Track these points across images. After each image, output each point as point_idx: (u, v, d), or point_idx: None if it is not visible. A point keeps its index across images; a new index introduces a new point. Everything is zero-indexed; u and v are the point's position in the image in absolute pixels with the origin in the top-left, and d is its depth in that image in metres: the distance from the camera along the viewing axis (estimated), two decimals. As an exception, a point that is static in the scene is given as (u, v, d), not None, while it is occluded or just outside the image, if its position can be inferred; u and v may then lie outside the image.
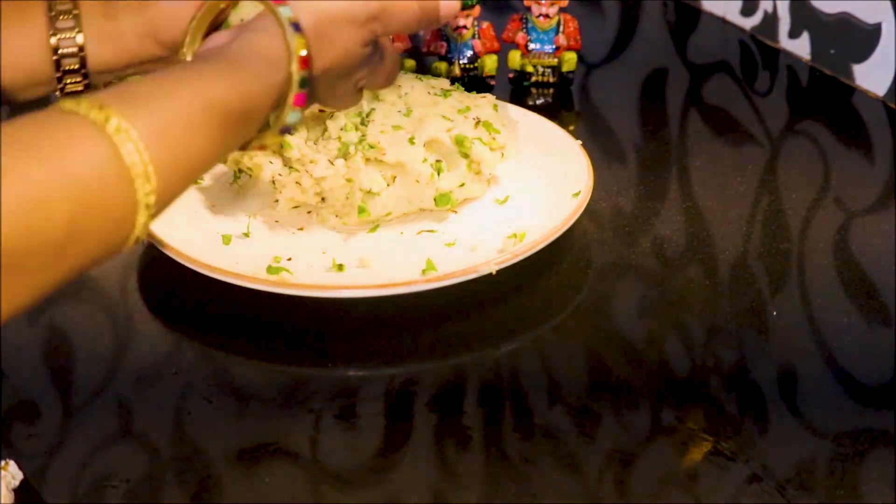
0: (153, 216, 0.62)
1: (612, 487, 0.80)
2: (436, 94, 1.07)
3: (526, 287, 0.98)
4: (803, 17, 1.34)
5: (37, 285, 0.57)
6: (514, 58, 1.31)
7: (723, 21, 1.45)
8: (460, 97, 1.08)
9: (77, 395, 0.88)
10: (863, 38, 1.27)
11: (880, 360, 0.90)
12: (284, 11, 0.72)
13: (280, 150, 1.02)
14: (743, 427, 0.84)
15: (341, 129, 1.02)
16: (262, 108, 0.70)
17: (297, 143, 1.02)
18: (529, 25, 1.30)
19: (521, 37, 1.30)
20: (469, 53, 1.30)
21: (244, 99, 0.68)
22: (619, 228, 1.08)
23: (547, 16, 1.30)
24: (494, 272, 0.94)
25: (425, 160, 1.01)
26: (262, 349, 0.93)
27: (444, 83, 1.10)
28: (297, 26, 0.72)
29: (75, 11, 0.76)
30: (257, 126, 0.71)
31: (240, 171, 1.07)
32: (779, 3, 1.37)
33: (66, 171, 0.57)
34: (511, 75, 1.32)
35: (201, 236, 1.00)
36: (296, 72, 0.72)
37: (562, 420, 0.86)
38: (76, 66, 0.76)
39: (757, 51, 1.39)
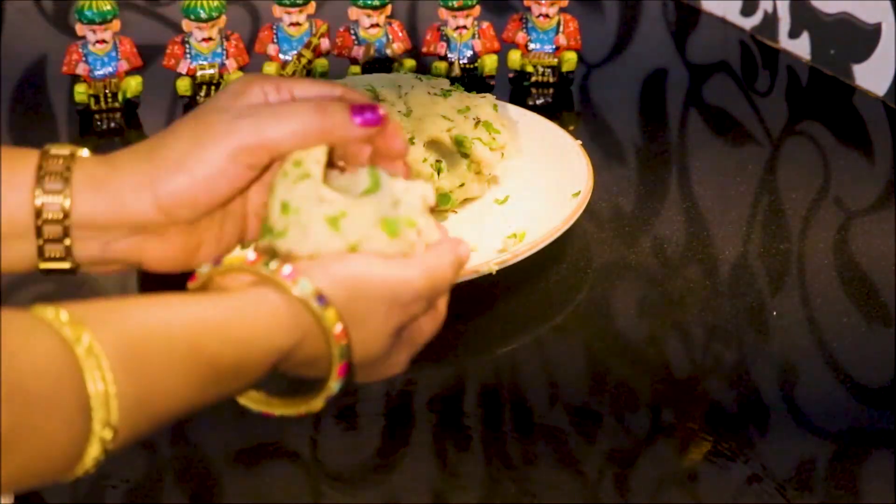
0: (107, 452, 0.55)
1: (612, 487, 0.80)
2: (436, 94, 1.07)
3: (526, 287, 0.98)
4: (803, 17, 1.34)
5: None
6: (514, 58, 1.31)
7: (723, 21, 1.45)
8: (460, 97, 1.08)
9: (77, 395, 0.88)
10: (863, 38, 1.27)
11: (880, 360, 0.90)
12: (303, 286, 0.61)
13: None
14: (743, 427, 0.84)
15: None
16: (257, 366, 0.61)
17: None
18: (529, 25, 1.30)
19: (521, 37, 1.30)
20: (469, 53, 1.30)
21: (237, 354, 0.60)
22: (619, 228, 1.08)
23: (547, 16, 1.30)
24: (494, 272, 0.94)
25: (425, 160, 1.01)
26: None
27: (444, 83, 1.10)
28: (323, 299, 0.62)
29: (66, 174, 0.64)
30: (249, 383, 0.62)
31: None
32: (779, 3, 1.37)
33: (13, 376, 0.51)
34: (511, 75, 1.32)
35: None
36: (335, 346, 0.62)
37: (562, 420, 0.86)
38: (58, 236, 0.64)
39: (757, 51, 1.39)
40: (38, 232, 0.64)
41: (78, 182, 0.63)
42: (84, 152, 0.65)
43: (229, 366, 0.59)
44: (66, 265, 0.65)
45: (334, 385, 0.63)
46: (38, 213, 0.63)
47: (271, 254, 0.64)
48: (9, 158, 0.64)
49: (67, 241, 0.64)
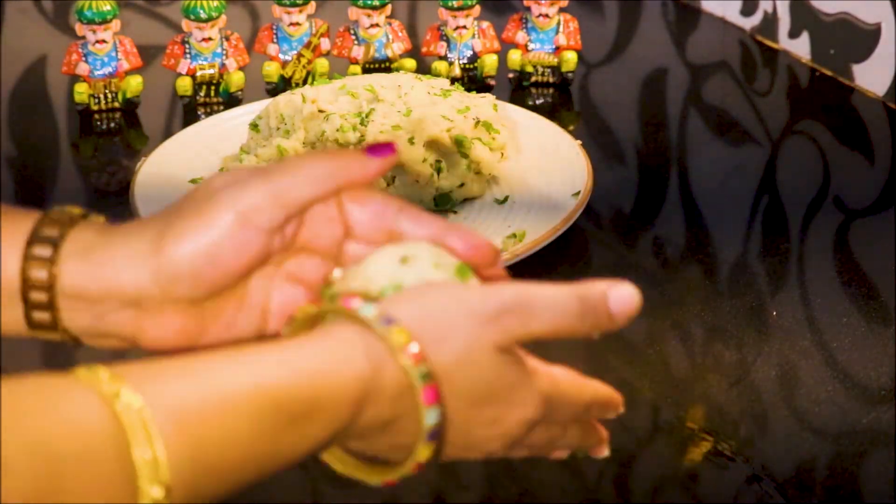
0: None
1: (612, 487, 0.80)
2: (436, 94, 1.07)
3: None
4: (803, 17, 1.34)
5: None
6: (514, 58, 1.31)
7: (723, 21, 1.45)
8: (460, 97, 1.08)
9: (77, 395, 0.88)
10: (863, 38, 1.27)
11: (880, 360, 0.90)
12: (368, 310, 0.56)
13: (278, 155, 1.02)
14: (743, 427, 0.84)
15: (337, 130, 1.02)
16: (334, 403, 0.55)
17: (293, 146, 1.02)
18: (529, 25, 1.30)
19: (521, 37, 1.30)
20: (469, 53, 1.30)
21: (307, 388, 0.54)
22: (619, 228, 1.08)
23: (547, 16, 1.30)
24: (494, 272, 0.94)
25: (425, 160, 1.02)
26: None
27: (444, 83, 1.10)
28: (388, 320, 0.56)
29: (58, 240, 0.60)
30: (328, 427, 0.55)
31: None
32: (779, 3, 1.37)
33: (39, 435, 0.48)
34: (511, 75, 1.32)
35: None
36: (410, 367, 0.55)
37: (562, 420, 0.85)
38: (44, 303, 0.60)
39: (757, 51, 1.39)
40: (24, 298, 0.60)
41: (69, 249, 0.59)
42: (92, 217, 0.62)
43: (300, 405, 0.54)
44: (55, 335, 0.61)
45: (426, 413, 0.56)
46: (25, 279, 0.59)
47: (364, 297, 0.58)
48: (9, 218, 0.61)
49: (55, 310, 0.60)
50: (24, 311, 0.60)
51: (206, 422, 0.51)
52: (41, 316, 0.60)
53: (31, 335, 0.61)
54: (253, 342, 0.59)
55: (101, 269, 0.59)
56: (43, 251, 0.59)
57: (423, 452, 0.58)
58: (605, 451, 0.67)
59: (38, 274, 0.59)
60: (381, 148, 0.62)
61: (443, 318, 0.57)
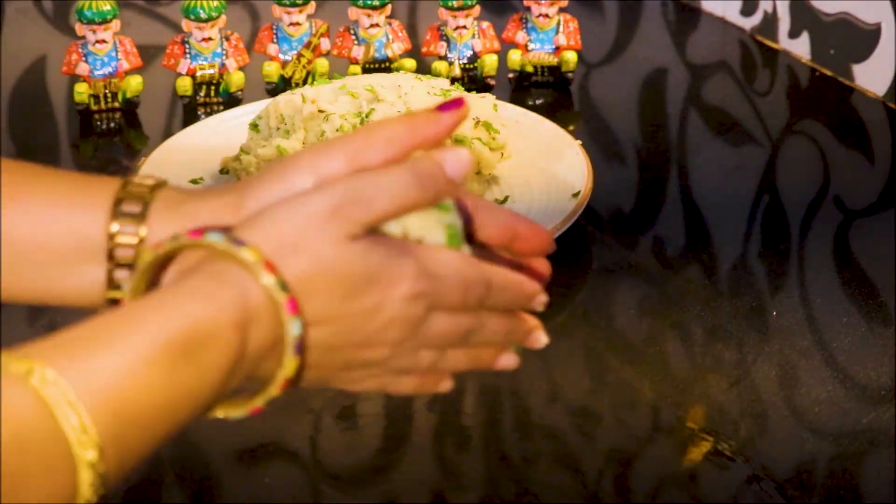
0: (104, 474, 0.52)
1: (612, 487, 0.80)
2: (436, 94, 1.07)
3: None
4: (803, 17, 1.34)
5: None
6: (514, 58, 1.31)
7: (723, 21, 1.45)
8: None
9: (77, 395, 0.88)
10: (863, 38, 1.27)
11: (880, 360, 0.90)
12: (215, 237, 0.57)
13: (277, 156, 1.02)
14: (743, 427, 0.84)
15: (337, 130, 1.02)
16: (219, 329, 0.56)
17: (293, 146, 1.02)
18: (529, 25, 1.31)
19: (521, 37, 1.30)
20: (469, 53, 1.30)
21: (189, 324, 0.55)
22: (619, 228, 1.08)
23: (547, 16, 1.30)
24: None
25: (425, 160, 1.01)
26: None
27: (444, 83, 1.10)
28: (237, 242, 0.57)
29: (147, 197, 0.62)
30: (224, 354, 0.56)
31: (234, 172, 1.07)
32: (779, 3, 1.37)
33: None
34: (511, 75, 1.32)
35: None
36: (268, 280, 0.56)
37: (562, 420, 0.86)
38: (130, 261, 0.62)
39: (757, 51, 1.39)
40: (110, 256, 0.61)
41: (156, 206, 0.61)
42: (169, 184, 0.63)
43: (188, 338, 0.55)
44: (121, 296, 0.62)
45: (291, 323, 0.57)
46: (111, 236, 0.61)
47: None
48: (87, 182, 0.63)
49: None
50: (107, 271, 0.62)
51: (117, 378, 0.53)
52: (122, 276, 0.62)
53: (91, 303, 0.63)
54: None
55: (186, 220, 0.61)
56: (133, 208, 0.61)
57: (290, 365, 0.58)
58: (540, 340, 0.67)
59: (127, 230, 0.61)
60: (451, 104, 0.63)
61: (287, 228, 0.58)
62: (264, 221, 0.58)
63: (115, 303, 0.62)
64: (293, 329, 0.57)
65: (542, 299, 0.66)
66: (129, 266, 0.61)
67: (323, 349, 0.59)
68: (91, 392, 0.52)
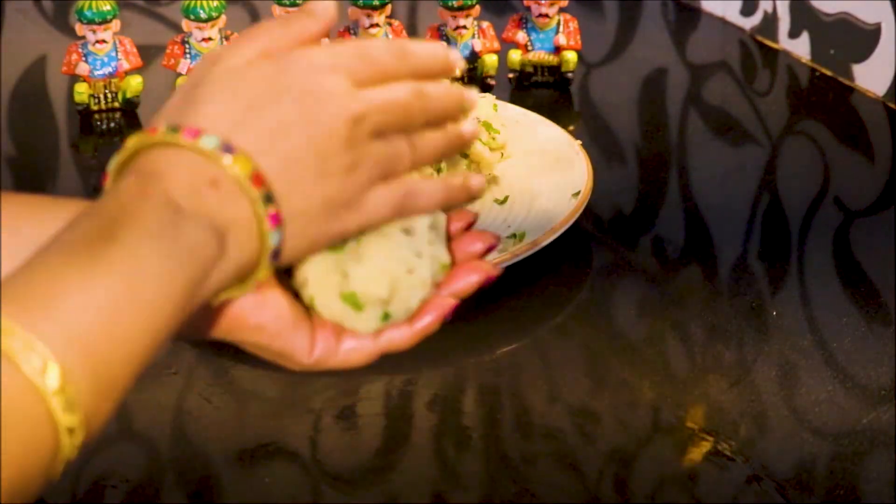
0: (91, 425, 0.50)
1: (612, 487, 0.80)
2: (436, 94, 1.07)
3: (526, 287, 0.98)
4: (803, 17, 1.34)
5: None
6: (514, 58, 1.31)
7: (723, 21, 1.45)
8: (460, 97, 1.07)
9: (77, 395, 0.88)
10: (863, 38, 1.27)
11: (880, 360, 0.90)
12: (209, 141, 0.54)
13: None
14: (743, 427, 0.84)
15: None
16: (147, 220, 0.53)
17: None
18: (529, 25, 1.31)
19: (521, 37, 1.30)
20: (469, 53, 1.30)
21: (125, 229, 0.52)
22: (619, 228, 1.08)
23: (547, 16, 1.30)
24: (494, 272, 0.94)
25: (425, 160, 1.01)
26: (262, 349, 0.92)
27: (444, 83, 1.10)
28: (228, 147, 0.54)
29: None
30: (184, 249, 0.53)
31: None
32: (779, 3, 1.37)
33: None
34: (511, 75, 1.32)
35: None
36: (251, 190, 0.54)
37: (562, 420, 0.86)
38: None
39: (757, 51, 1.39)
40: None
41: None
42: None
43: (128, 244, 0.51)
44: None
45: (271, 235, 0.55)
46: None
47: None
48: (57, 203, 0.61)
49: None
50: None
51: (95, 327, 0.50)
52: None
53: None
54: None
55: None
56: None
57: (263, 273, 0.56)
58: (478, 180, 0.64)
59: None
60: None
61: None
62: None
63: None
64: (273, 239, 0.55)
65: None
66: None
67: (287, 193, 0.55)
68: (69, 349, 0.49)
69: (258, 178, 0.54)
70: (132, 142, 0.55)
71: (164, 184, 0.53)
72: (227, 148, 0.54)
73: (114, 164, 0.56)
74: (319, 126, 0.56)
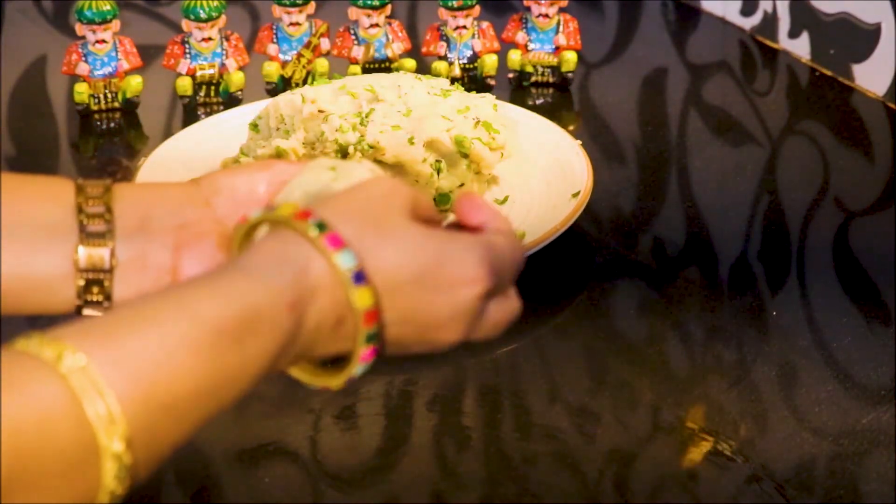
0: (131, 466, 0.51)
1: (612, 487, 0.80)
2: (436, 94, 1.07)
3: (526, 287, 0.98)
4: (803, 17, 1.34)
5: None
6: (514, 58, 1.31)
7: (723, 21, 1.45)
8: (460, 97, 1.08)
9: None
10: (863, 38, 1.27)
11: (880, 360, 0.90)
12: (345, 260, 0.57)
13: (276, 155, 1.02)
14: (743, 427, 0.84)
15: (337, 130, 1.02)
16: (272, 311, 0.55)
17: (293, 146, 1.02)
18: (529, 25, 1.31)
19: (520, 37, 1.30)
20: (469, 53, 1.30)
21: (241, 307, 0.54)
22: (619, 228, 1.08)
23: (547, 16, 1.30)
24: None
25: (425, 160, 1.01)
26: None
27: (444, 83, 1.10)
28: (360, 276, 0.57)
29: (108, 216, 0.64)
30: (274, 337, 0.56)
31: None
32: (778, 3, 1.37)
33: (4, 416, 0.48)
34: (511, 75, 1.32)
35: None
36: (361, 329, 0.58)
37: (562, 420, 0.86)
38: (100, 211, 0.63)
39: (757, 51, 1.39)
40: (80, 209, 0.64)
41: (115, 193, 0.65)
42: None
43: (238, 323, 0.54)
44: (100, 267, 0.63)
45: (358, 368, 0.59)
46: (79, 206, 0.64)
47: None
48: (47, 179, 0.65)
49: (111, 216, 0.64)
50: (79, 229, 0.63)
51: (152, 365, 0.52)
52: (97, 227, 0.63)
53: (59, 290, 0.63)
54: None
55: (149, 187, 0.67)
56: (96, 190, 0.64)
57: (363, 333, 0.58)
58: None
59: (96, 187, 0.64)
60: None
61: (352, 206, 0.59)
62: (328, 201, 0.60)
63: (88, 283, 0.63)
64: (362, 299, 0.57)
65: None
66: (101, 217, 0.63)
67: (396, 322, 0.60)
68: (123, 379, 0.51)
69: (372, 316, 0.58)
70: (285, 212, 0.58)
71: (305, 312, 0.56)
72: (359, 277, 0.57)
73: (261, 218, 0.60)
74: (443, 316, 0.61)
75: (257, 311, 0.55)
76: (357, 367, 0.59)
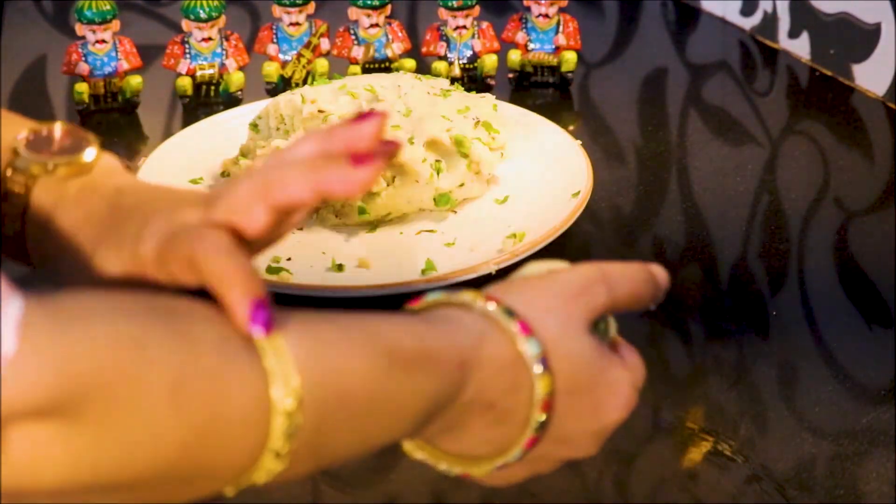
0: (299, 431, 0.51)
1: (612, 487, 0.80)
2: (436, 94, 1.07)
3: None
4: (803, 17, 1.34)
5: None
6: (514, 58, 1.31)
7: (723, 21, 1.45)
8: (460, 97, 1.08)
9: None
10: (863, 38, 1.27)
11: (880, 360, 0.90)
12: (531, 348, 0.57)
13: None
14: (743, 427, 0.84)
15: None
16: (442, 358, 0.55)
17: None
18: (529, 25, 1.31)
19: (520, 37, 1.30)
20: (469, 53, 1.30)
21: (416, 341, 0.55)
22: (619, 228, 1.08)
23: (547, 16, 1.30)
24: (494, 272, 0.94)
25: (425, 160, 1.01)
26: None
27: (444, 83, 1.10)
28: (545, 363, 0.58)
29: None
30: (439, 382, 0.55)
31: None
32: (778, 3, 1.37)
33: (216, 412, 0.49)
34: (511, 75, 1.32)
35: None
36: (535, 415, 0.58)
37: (562, 420, 0.85)
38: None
39: (757, 51, 1.39)
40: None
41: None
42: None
43: (410, 353, 0.54)
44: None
45: (515, 453, 0.59)
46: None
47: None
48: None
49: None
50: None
51: (334, 350, 0.52)
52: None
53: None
54: None
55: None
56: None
57: (535, 419, 0.58)
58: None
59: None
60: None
61: (539, 301, 0.59)
62: (521, 291, 0.60)
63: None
64: (540, 388, 0.58)
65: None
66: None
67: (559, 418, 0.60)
68: (304, 352, 0.51)
69: (547, 405, 0.58)
70: (476, 299, 0.58)
71: (468, 379, 0.56)
72: (545, 363, 0.58)
73: (443, 300, 0.59)
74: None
75: (431, 352, 0.55)
76: (516, 452, 0.59)
